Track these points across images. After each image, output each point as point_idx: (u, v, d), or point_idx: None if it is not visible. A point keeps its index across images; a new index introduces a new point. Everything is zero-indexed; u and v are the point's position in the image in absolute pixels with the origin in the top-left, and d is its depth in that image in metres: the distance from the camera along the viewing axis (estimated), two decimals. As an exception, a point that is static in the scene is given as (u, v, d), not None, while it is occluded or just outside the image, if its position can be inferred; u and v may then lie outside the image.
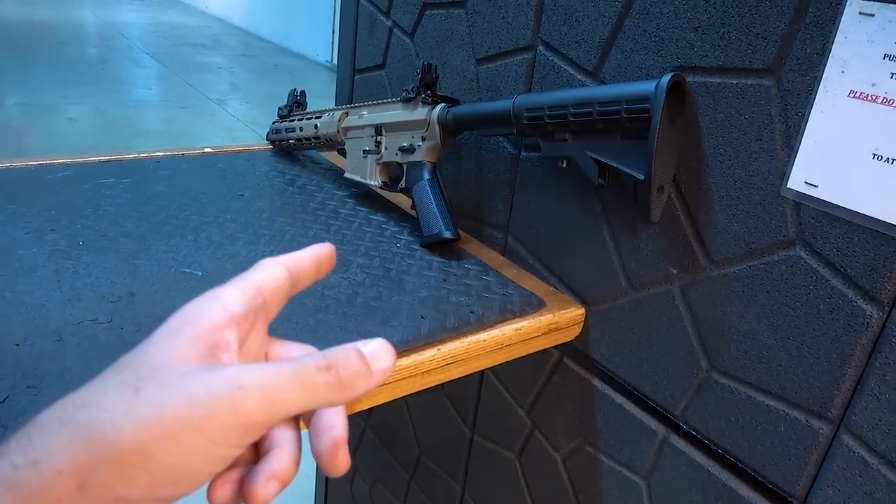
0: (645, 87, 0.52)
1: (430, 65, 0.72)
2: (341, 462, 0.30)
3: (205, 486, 0.29)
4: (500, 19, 0.71)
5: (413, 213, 0.75)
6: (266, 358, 0.36)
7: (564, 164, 0.61)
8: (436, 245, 0.73)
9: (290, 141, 0.94)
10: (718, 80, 0.52)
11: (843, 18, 0.44)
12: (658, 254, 0.59)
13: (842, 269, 0.47)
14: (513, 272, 0.73)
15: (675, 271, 0.58)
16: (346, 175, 0.84)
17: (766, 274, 0.51)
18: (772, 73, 0.48)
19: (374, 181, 0.80)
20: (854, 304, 0.46)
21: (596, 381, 0.69)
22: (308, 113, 0.93)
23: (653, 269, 0.60)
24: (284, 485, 0.30)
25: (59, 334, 0.51)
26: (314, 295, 0.60)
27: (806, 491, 0.52)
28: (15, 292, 0.55)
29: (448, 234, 0.70)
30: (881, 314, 0.45)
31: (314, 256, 0.37)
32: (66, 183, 0.78)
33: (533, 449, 0.79)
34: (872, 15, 0.42)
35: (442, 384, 0.91)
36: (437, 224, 0.71)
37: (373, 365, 0.30)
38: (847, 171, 0.45)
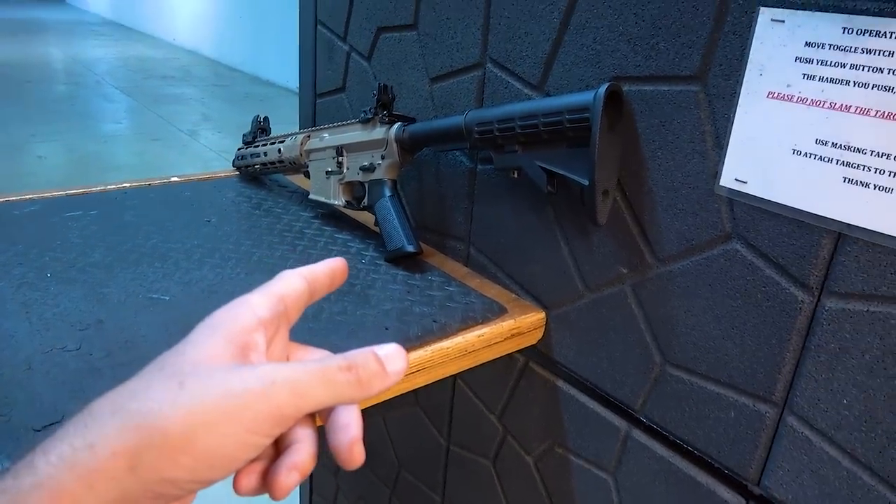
0: (584, 97, 0.55)
1: (385, 86, 0.75)
2: (357, 456, 0.33)
3: (216, 486, 0.32)
4: (451, 39, 0.74)
5: (377, 229, 0.77)
6: (287, 360, 0.39)
7: (516, 175, 0.64)
8: (400, 259, 0.75)
9: (256, 166, 0.96)
10: (651, 88, 0.55)
11: (757, 25, 0.47)
12: (609, 255, 0.62)
13: (774, 259, 0.50)
14: (476, 282, 0.75)
15: (625, 271, 0.61)
16: (311, 197, 0.87)
17: (707, 268, 0.54)
18: (698, 79, 0.52)
19: (338, 201, 0.83)
20: (787, 291, 0.49)
21: (560, 383, 0.71)
22: (272, 138, 0.95)
23: (605, 270, 0.63)
24: (304, 475, 0.33)
25: (28, 363, 0.52)
26: (280, 313, 0.62)
27: (759, 473, 0.54)
28: (-17, 325, 0.56)
29: (410, 248, 0.73)
30: (811, 299, 0.48)
31: (328, 269, 0.40)
32: (33, 217, 0.79)
33: (506, 454, 0.81)
34: (783, 21, 0.46)
35: (416, 396, 0.93)
36: (400, 238, 0.73)
37: (388, 366, 0.33)
38: (771, 166, 0.48)
